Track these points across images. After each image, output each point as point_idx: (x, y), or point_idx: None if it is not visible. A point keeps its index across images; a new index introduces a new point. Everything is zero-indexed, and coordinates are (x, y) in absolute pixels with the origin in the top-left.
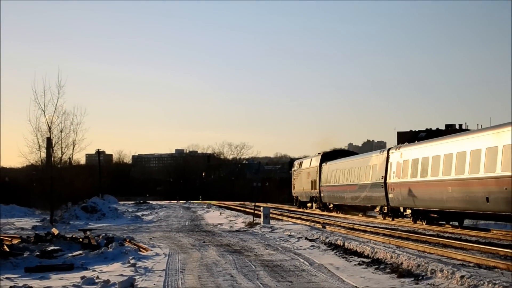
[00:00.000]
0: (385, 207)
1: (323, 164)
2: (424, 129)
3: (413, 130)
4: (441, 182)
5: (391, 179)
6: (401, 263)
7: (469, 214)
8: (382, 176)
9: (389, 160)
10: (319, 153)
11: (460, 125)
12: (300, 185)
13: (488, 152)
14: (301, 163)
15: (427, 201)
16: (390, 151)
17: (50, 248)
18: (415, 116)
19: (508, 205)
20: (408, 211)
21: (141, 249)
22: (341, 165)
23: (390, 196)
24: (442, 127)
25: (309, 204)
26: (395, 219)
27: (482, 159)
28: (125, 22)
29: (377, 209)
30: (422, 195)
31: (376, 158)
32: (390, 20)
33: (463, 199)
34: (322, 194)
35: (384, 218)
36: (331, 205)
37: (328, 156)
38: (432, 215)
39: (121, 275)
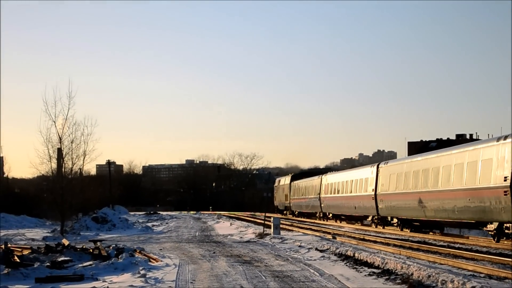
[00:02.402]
0: (321, 213)
1: (292, 183)
2: (434, 139)
3: (424, 140)
4: (340, 197)
5: (322, 194)
6: (412, 274)
7: (352, 216)
8: (318, 193)
9: (322, 182)
10: (290, 174)
11: (471, 135)
12: (279, 197)
13: (364, 180)
14: (279, 181)
15: (337, 209)
16: (322, 176)
17: (60, 259)
18: (426, 126)
19: (363, 211)
20: (331, 215)
21: (151, 259)
22: (301, 184)
23: (322, 205)
24: (453, 137)
25: (284, 212)
26: (328, 221)
27: (357, 184)
28: (135, 32)
29: (317, 214)
30: (335, 205)
31: (316, 181)
32: (401, 28)
33: (347, 207)
34: (291, 204)
35: (322, 220)
36: (296, 212)
37: (296, 177)
38: (342, 216)
39: (131, 285)
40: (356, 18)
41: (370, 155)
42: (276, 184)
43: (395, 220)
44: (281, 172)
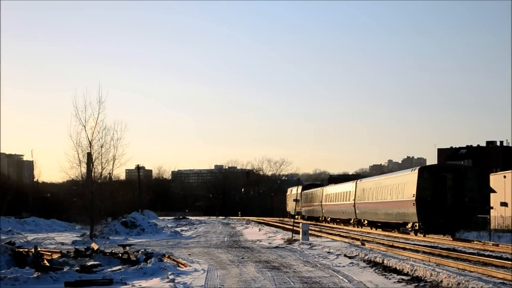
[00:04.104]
0: (322, 217)
1: (302, 192)
2: (465, 145)
3: (454, 147)
4: (334, 205)
5: (323, 202)
6: (441, 281)
7: (341, 219)
8: (320, 201)
9: (323, 193)
10: (301, 185)
11: (501, 142)
12: (291, 204)
13: (348, 193)
14: (291, 190)
15: (332, 214)
16: (323, 188)
17: (89, 263)
18: (455, 133)
19: (348, 215)
20: (329, 218)
21: (180, 264)
22: (309, 193)
23: (323, 211)
24: (483, 144)
25: (296, 216)
26: (328, 223)
27: (344, 195)
28: (164, 37)
29: (320, 218)
30: (331, 210)
31: (319, 191)
32: (431, 36)
33: (339, 212)
34: (301, 210)
35: (324, 222)
36: (306, 217)
37: (305, 187)
38: (337, 220)
39: None
40: (386, 25)
41: (400, 162)
42: (288, 193)
43: (366, 222)
44: (310, 178)
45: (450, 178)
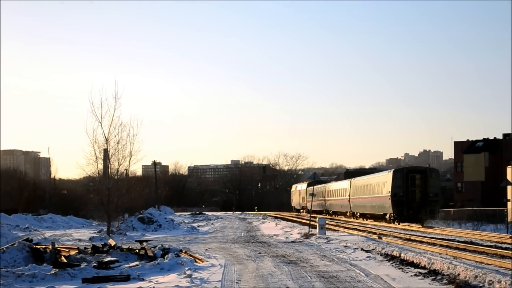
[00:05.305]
0: (325, 210)
1: (307, 188)
2: (481, 138)
3: (470, 139)
4: (335, 199)
5: (326, 197)
6: (458, 274)
7: (340, 212)
8: (324, 196)
9: (326, 189)
10: (306, 182)
11: None
12: (296, 200)
13: (345, 189)
14: (296, 187)
15: (333, 207)
16: (326, 185)
17: (107, 259)
18: (472, 126)
19: (344, 208)
20: (331, 211)
21: (197, 260)
22: (315, 189)
23: (326, 204)
24: (500, 136)
25: (301, 210)
26: (331, 215)
27: (342, 191)
28: (180, 34)
29: (323, 211)
30: (333, 204)
31: (323, 187)
32: (445, 30)
33: (338, 206)
34: (307, 205)
35: (326, 215)
36: (311, 210)
37: (310, 184)
38: (337, 212)
39: (177, 286)
40: (406, 20)
41: (416, 155)
42: (293, 189)
43: (358, 214)
44: (326, 172)
45: (418, 178)
